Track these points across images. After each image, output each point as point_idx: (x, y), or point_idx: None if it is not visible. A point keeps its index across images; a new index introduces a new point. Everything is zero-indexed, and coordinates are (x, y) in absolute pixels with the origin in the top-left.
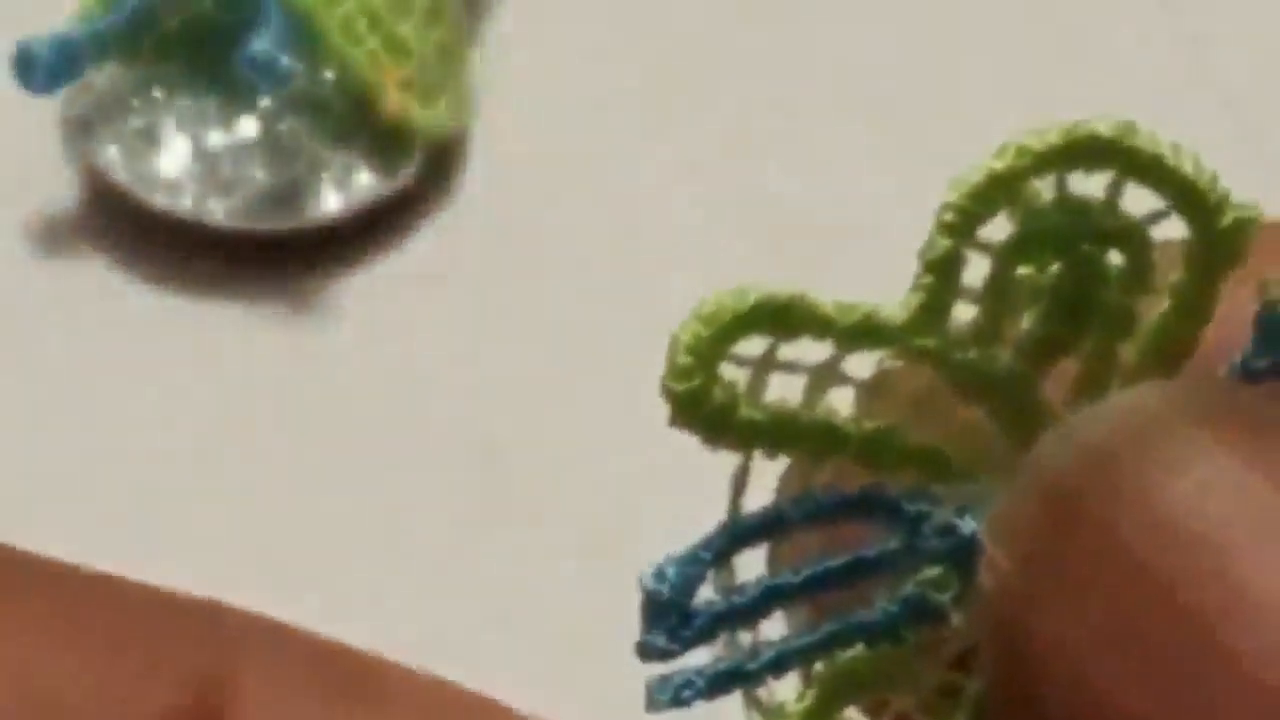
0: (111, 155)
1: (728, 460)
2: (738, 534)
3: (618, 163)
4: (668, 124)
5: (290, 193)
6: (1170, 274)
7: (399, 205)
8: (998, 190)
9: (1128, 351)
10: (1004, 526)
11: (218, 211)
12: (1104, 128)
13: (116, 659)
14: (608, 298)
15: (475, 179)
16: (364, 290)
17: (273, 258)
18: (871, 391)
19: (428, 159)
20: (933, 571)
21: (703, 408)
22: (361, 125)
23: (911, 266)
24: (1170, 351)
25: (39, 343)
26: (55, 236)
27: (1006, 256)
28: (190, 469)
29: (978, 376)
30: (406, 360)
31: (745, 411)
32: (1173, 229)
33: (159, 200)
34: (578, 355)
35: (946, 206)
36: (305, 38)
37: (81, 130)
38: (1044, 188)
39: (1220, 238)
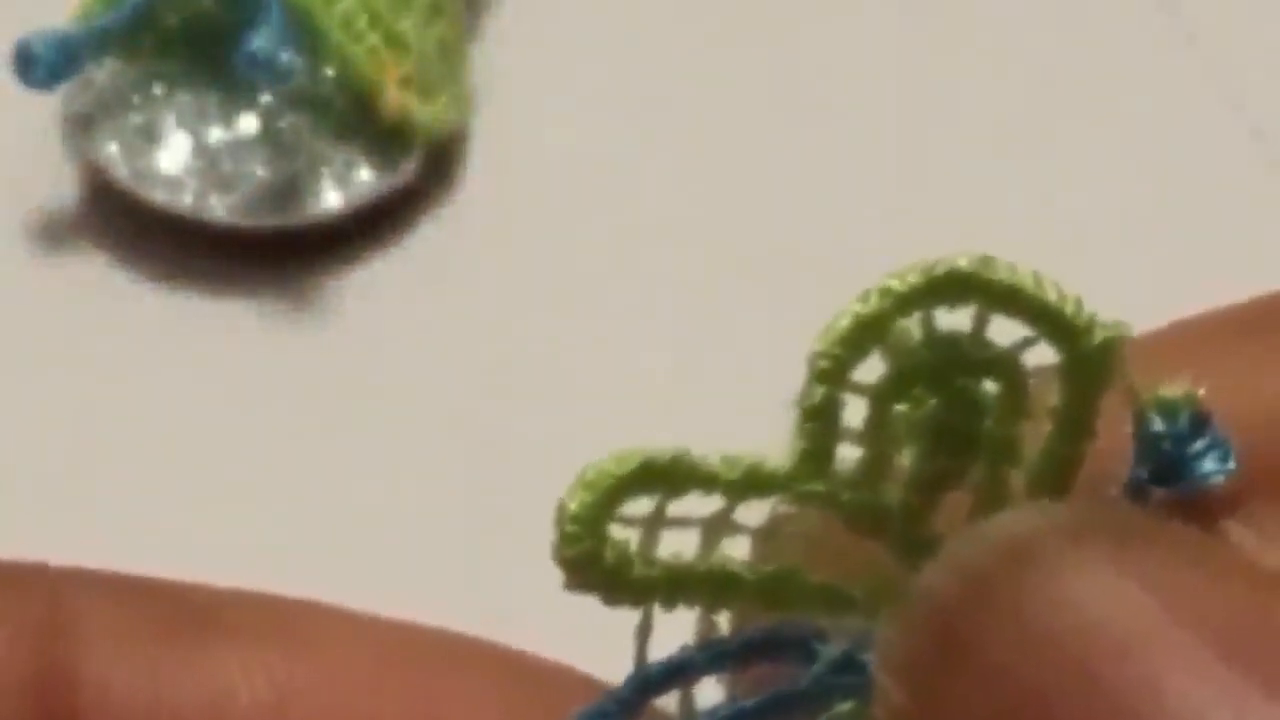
0: (111, 152)
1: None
2: (645, 684)
3: (619, 160)
4: (669, 121)
5: (290, 189)
6: (1049, 398)
7: (399, 202)
8: (865, 334)
9: (1017, 478)
10: (892, 655)
11: (218, 208)
12: (963, 263)
13: None
14: (608, 295)
15: (476, 176)
16: (364, 287)
17: (273, 254)
18: (766, 536)
19: (428, 156)
20: (844, 707)
21: (594, 571)
22: (362, 122)
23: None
24: (1058, 474)
25: (38, 339)
26: (55, 233)
27: (883, 397)
28: (190, 465)
29: (868, 515)
30: (406, 356)
31: (638, 569)
32: (1048, 352)
33: (159, 197)
34: (578, 352)
35: (817, 354)
36: (305, 34)
37: (81, 127)
38: (913, 325)
39: (1090, 359)
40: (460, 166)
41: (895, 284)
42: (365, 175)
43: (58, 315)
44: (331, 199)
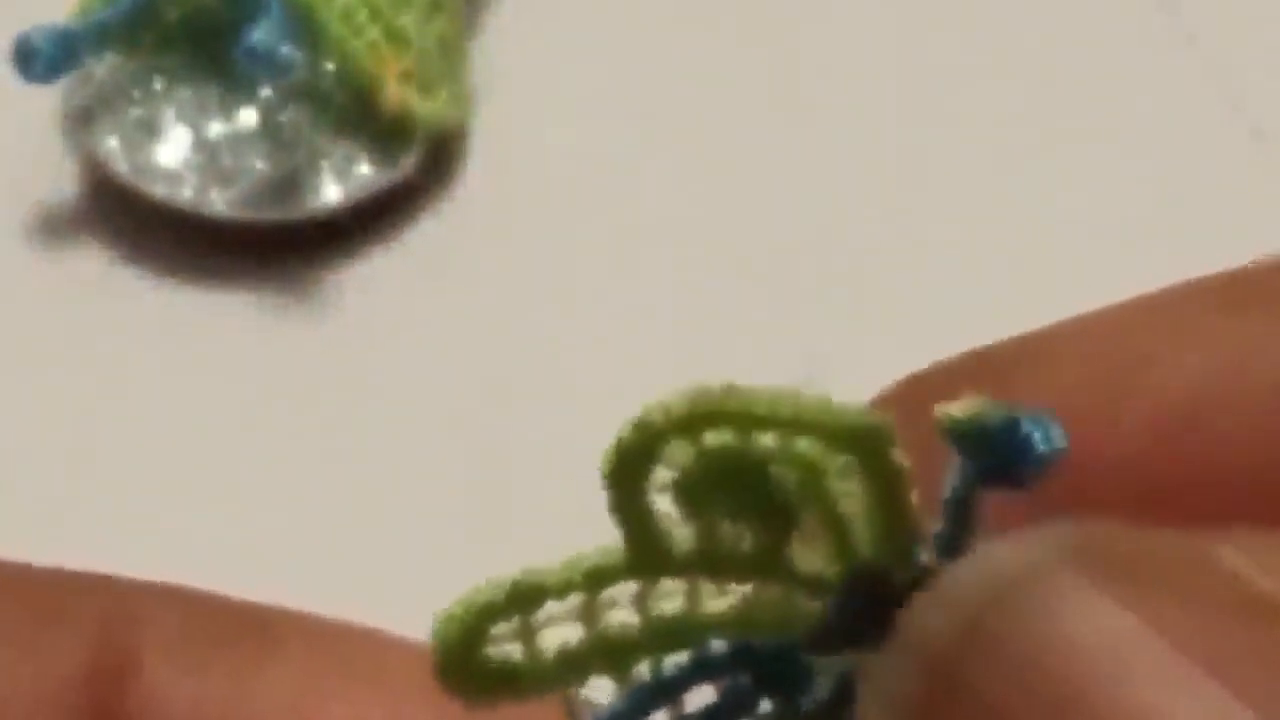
0: (111, 146)
1: None
2: None
3: (618, 156)
4: (668, 117)
5: (290, 184)
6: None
7: (399, 197)
8: (630, 462)
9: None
10: (882, 695)
11: (218, 202)
12: (706, 397)
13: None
14: (607, 290)
15: (475, 171)
16: (363, 281)
17: (272, 248)
18: (641, 599)
19: (428, 151)
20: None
21: (483, 690)
22: (362, 117)
23: (911, 264)
24: (888, 524)
25: (38, 333)
26: (55, 227)
27: (684, 496)
28: (190, 459)
29: (727, 566)
30: (405, 351)
31: (529, 667)
32: None
33: (159, 191)
34: (578, 347)
35: (603, 478)
36: (305, 29)
37: (81, 121)
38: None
39: (865, 453)
40: (460, 162)
41: (654, 417)
42: (365, 170)
43: (58, 309)
44: (331, 193)
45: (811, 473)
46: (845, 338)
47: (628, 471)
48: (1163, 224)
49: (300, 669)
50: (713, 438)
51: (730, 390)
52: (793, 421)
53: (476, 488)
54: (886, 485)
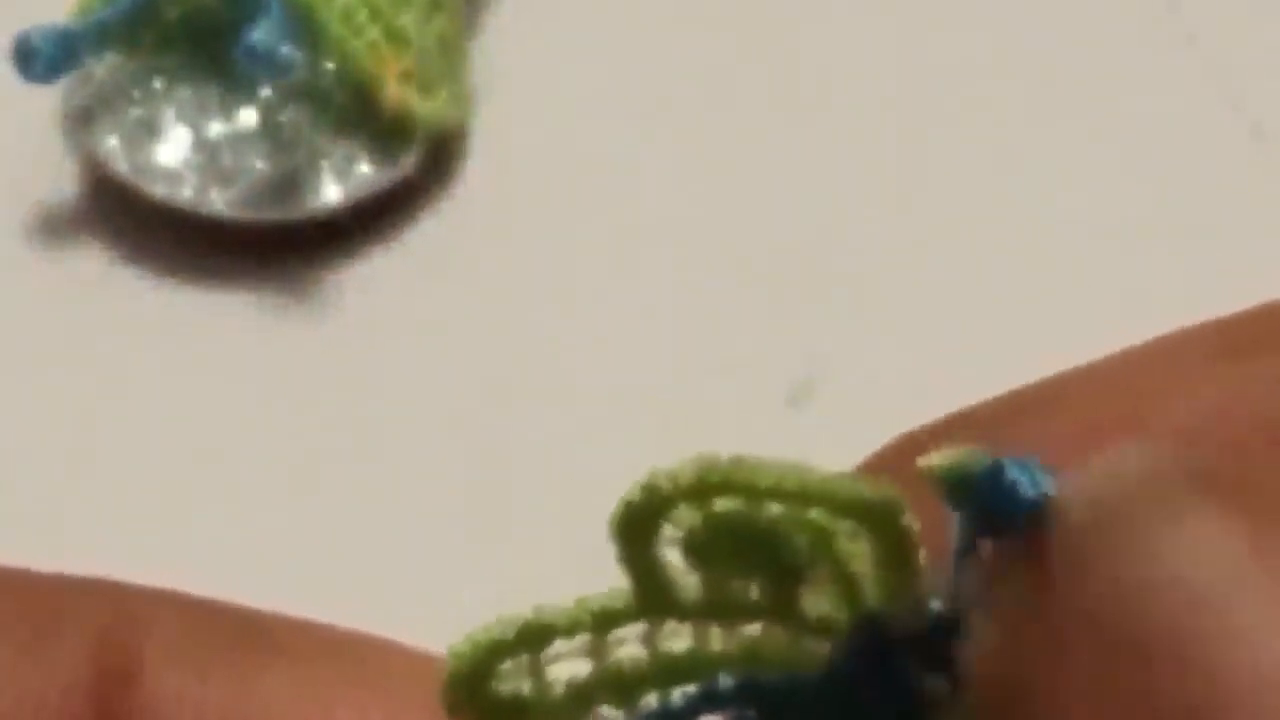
0: (111, 146)
1: (728, 448)
2: None
3: (618, 155)
4: (668, 116)
5: (290, 183)
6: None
7: (399, 196)
8: (637, 524)
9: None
10: (1007, 566)
11: (218, 202)
12: (718, 466)
13: (3, 637)
14: (608, 291)
15: (475, 170)
16: (364, 281)
17: (272, 248)
18: (648, 638)
19: (428, 150)
20: None
21: (489, 717)
22: (362, 116)
23: (911, 264)
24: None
25: (38, 333)
26: (55, 227)
27: (692, 555)
28: (190, 459)
29: (736, 613)
30: (405, 350)
31: (535, 702)
32: None
33: (159, 191)
34: (578, 347)
35: (612, 534)
36: (305, 28)
37: (81, 121)
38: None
39: (877, 527)
40: (460, 161)
41: (661, 483)
42: (365, 169)
43: (58, 308)
44: (331, 193)
45: (821, 536)
46: (845, 338)
47: (636, 530)
48: (1162, 223)
49: (303, 674)
50: (721, 504)
51: (738, 462)
52: (800, 494)
53: (476, 488)
54: (896, 550)
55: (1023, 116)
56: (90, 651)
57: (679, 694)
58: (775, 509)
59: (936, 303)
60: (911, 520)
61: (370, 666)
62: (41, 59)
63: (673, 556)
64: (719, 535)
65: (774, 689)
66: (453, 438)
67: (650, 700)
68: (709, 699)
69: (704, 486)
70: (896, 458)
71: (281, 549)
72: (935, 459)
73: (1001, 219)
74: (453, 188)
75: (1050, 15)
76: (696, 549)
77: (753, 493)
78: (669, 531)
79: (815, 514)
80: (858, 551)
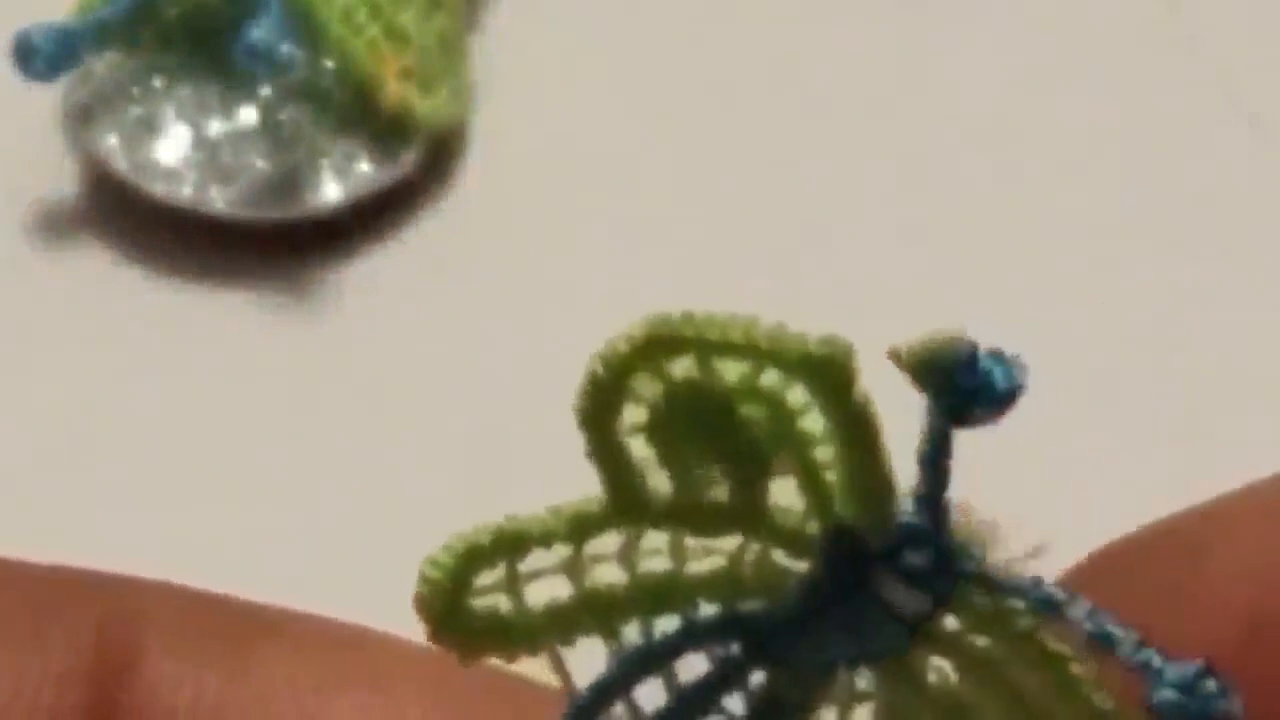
0: (111, 144)
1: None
2: (580, 713)
3: (618, 153)
4: (668, 114)
5: (290, 182)
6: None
7: (399, 194)
8: (601, 394)
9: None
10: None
11: (218, 200)
12: (667, 323)
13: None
14: (608, 289)
15: (475, 168)
16: (363, 279)
17: (272, 246)
18: (624, 555)
19: (428, 148)
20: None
21: (473, 640)
22: (362, 115)
23: (911, 263)
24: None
25: (38, 331)
26: (55, 225)
27: (656, 435)
28: (189, 456)
29: (700, 527)
30: (405, 348)
31: (516, 619)
32: None
33: (159, 189)
34: (577, 345)
35: (578, 420)
36: (305, 27)
37: (81, 119)
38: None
39: (828, 380)
40: (460, 159)
41: (617, 345)
42: (365, 167)
43: (57, 306)
44: (331, 191)
45: (780, 411)
46: (845, 337)
47: (600, 408)
48: (1162, 223)
49: (302, 665)
50: (679, 368)
51: (687, 315)
52: (750, 343)
53: (476, 486)
54: (853, 422)
55: (1023, 114)
56: (89, 641)
57: (660, 632)
58: (732, 374)
59: (937, 302)
60: (866, 394)
61: (369, 657)
62: (41, 57)
63: (641, 455)
64: (680, 413)
65: (754, 621)
66: (452, 436)
67: (631, 633)
68: (690, 635)
69: (657, 340)
70: (1098, 567)
71: (281, 546)
72: (912, 343)
73: (1002, 216)
74: (452, 186)
75: (1050, 14)
76: (660, 431)
77: (704, 346)
78: (632, 418)
79: (772, 382)
80: (820, 438)
